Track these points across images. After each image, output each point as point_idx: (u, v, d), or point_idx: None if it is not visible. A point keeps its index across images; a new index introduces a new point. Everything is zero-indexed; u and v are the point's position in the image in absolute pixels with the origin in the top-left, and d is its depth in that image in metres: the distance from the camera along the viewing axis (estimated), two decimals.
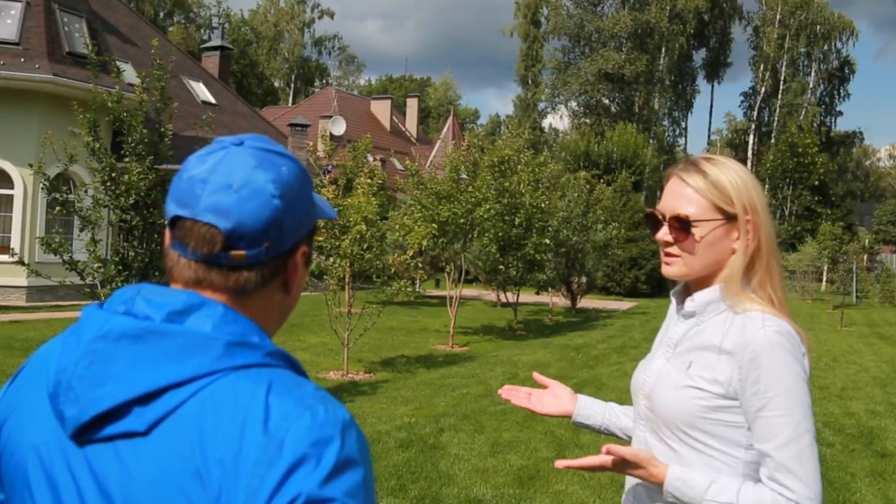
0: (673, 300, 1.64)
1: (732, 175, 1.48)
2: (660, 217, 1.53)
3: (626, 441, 1.72)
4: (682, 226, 1.48)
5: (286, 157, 0.94)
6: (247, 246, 0.89)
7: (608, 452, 1.41)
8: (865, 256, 29.06)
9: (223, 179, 0.89)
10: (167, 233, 0.95)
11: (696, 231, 1.47)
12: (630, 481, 1.60)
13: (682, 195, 1.49)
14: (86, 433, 0.84)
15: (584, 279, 19.41)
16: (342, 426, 0.83)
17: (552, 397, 1.79)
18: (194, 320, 0.86)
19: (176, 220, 0.90)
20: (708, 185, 1.47)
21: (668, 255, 1.52)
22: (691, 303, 1.53)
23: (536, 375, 1.85)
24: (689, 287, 1.57)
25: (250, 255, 0.90)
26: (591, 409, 1.78)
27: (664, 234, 1.51)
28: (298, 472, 0.78)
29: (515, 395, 1.79)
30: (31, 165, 7.67)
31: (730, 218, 1.47)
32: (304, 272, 0.99)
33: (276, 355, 0.89)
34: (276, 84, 56.68)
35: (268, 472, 0.78)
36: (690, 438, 1.45)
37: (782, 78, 43.09)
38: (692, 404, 1.43)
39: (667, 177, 1.57)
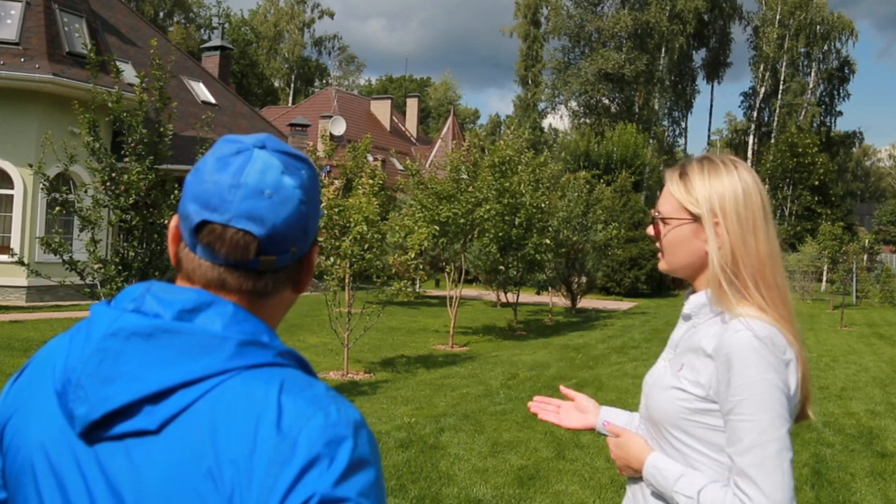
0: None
1: (712, 179, 1.47)
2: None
3: None
4: (657, 222, 1.54)
5: (305, 161, 0.94)
6: (277, 251, 0.90)
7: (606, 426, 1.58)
8: (865, 256, 29.02)
9: (256, 185, 0.88)
10: (173, 232, 0.94)
11: (664, 228, 1.52)
12: (630, 483, 1.61)
13: (663, 193, 1.56)
14: (95, 432, 0.84)
15: (584, 279, 19.40)
16: (354, 426, 0.83)
17: (578, 411, 1.82)
18: (203, 319, 0.86)
19: (203, 225, 0.89)
20: (679, 186, 1.50)
21: (659, 249, 1.59)
22: (687, 305, 1.55)
23: (563, 388, 1.89)
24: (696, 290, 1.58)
25: (279, 260, 0.91)
26: (613, 419, 1.80)
27: (650, 229, 1.58)
28: (312, 471, 0.78)
29: (544, 409, 1.83)
30: (31, 165, 7.67)
31: (696, 219, 1.47)
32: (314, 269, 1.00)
33: (287, 355, 0.89)
34: (276, 84, 56.68)
35: (281, 471, 0.78)
36: (676, 440, 1.45)
37: (782, 78, 43.10)
38: (676, 405, 1.44)
39: None
